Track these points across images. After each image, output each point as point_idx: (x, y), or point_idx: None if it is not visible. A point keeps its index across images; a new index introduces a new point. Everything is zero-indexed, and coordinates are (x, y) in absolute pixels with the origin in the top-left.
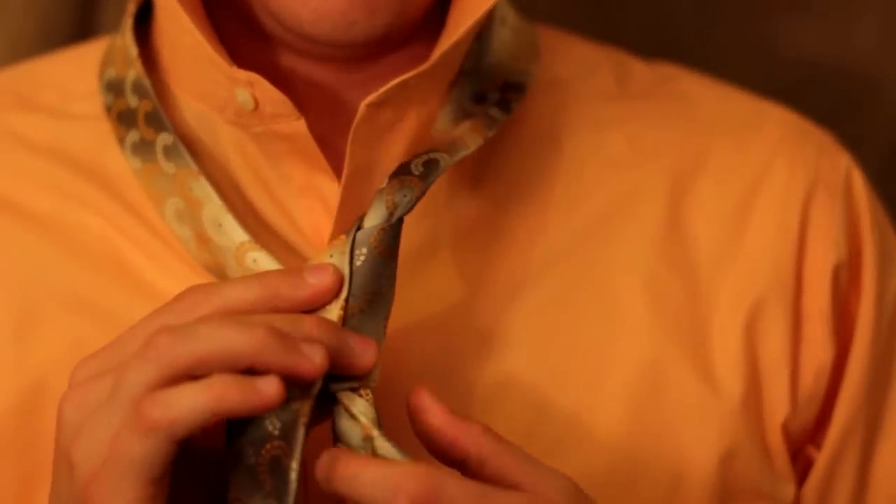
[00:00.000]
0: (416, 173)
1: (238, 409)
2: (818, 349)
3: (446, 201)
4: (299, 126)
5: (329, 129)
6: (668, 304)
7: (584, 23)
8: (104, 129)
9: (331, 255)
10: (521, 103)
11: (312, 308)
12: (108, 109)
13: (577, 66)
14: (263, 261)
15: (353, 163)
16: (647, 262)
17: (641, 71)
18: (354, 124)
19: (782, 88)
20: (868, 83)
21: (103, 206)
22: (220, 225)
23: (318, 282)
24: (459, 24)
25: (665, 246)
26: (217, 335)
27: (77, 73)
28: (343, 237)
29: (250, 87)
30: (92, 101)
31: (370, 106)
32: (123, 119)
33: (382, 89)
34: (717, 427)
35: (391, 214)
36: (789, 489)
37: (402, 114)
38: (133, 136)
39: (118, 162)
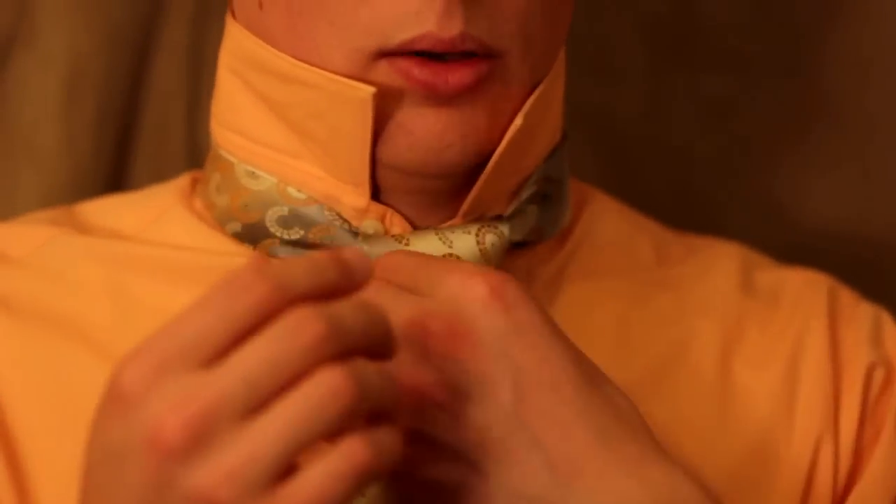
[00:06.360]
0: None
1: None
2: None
3: None
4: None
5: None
6: (725, 458)
7: (606, 182)
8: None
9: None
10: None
11: None
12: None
13: (619, 231)
14: None
15: None
16: (703, 415)
17: (675, 242)
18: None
19: (800, 247)
20: (885, 241)
21: None
22: None
23: None
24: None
25: (719, 399)
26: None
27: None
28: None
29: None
30: None
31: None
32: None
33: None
34: None
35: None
36: None
37: None
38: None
39: None
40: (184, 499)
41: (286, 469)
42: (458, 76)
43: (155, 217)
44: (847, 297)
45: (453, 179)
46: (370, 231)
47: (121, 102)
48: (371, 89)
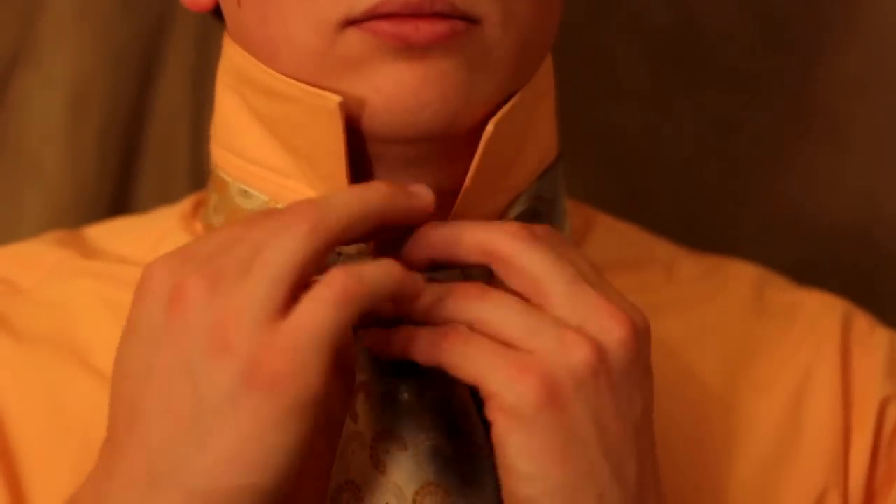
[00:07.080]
0: None
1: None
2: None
3: None
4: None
5: None
6: (735, 483)
7: (610, 201)
8: None
9: None
10: None
11: None
12: None
13: (624, 253)
14: None
15: None
16: (704, 445)
17: (688, 262)
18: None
19: (805, 262)
20: (891, 255)
21: None
22: None
23: None
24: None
25: (721, 428)
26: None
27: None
28: None
29: None
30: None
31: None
32: None
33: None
34: None
35: None
36: None
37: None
38: None
39: None
40: (204, 337)
41: (284, 306)
42: (430, 25)
43: (155, 241)
44: (863, 323)
45: (437, 160)
46: (353, 252)
47: (125, 122)
48: (337, 98)
